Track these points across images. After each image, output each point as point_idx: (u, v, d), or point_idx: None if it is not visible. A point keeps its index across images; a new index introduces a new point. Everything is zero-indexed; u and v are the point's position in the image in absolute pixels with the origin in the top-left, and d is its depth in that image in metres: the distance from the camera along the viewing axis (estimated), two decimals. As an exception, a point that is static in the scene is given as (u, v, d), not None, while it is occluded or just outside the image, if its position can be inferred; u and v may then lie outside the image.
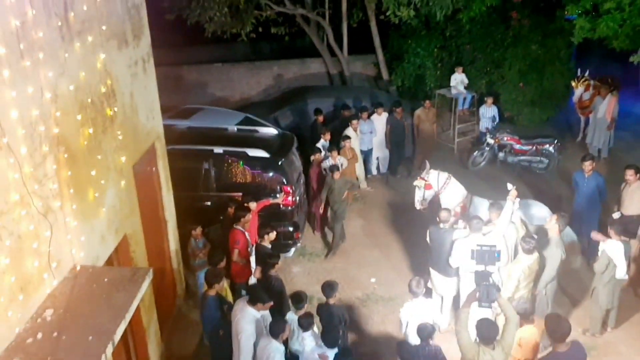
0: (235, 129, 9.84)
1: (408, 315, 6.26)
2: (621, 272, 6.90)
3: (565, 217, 7.12)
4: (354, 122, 11.03)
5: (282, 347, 5.52)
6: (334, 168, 9.34)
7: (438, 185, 8.32)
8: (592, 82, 12.79)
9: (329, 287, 6.39)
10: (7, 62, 3.87)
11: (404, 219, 10.15)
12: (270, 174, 8.93)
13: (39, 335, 3.99)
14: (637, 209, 8.14)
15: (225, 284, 6.87)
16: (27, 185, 4.03)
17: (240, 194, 8.45)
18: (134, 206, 6.24)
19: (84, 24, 5.04)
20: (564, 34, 12.89)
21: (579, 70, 13.03)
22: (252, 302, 5.93)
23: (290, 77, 16.15)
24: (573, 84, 12.92)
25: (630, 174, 8.18)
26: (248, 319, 5.82)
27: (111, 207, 5.55)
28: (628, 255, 7.03)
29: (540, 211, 7.93)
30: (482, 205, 7.96)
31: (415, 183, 8.58)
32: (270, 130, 9.95)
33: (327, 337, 5.72)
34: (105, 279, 4.75)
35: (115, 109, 5.73)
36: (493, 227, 7.05)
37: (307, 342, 5.87)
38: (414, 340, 5.94)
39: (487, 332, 5.02)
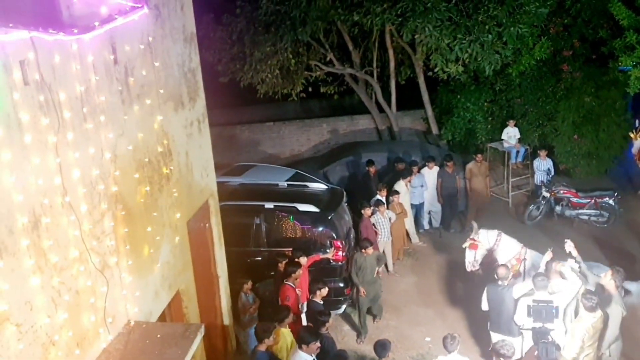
0: (286, 184, 9.98)
1: None
2: None
3: (621, 272, 6.74)
4: (409, 177, 11.02)
5: None
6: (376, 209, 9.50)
7: (489, 244, 8.20)
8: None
9: (381, 347, 6.20)
10: (72, 124, 4.11)
11: (459, 276, 9.86)
12: (320, 229, 8.93)
13: (93, 391, 4.03)
14: None
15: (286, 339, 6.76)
16: (85, 242, 4.18)
17: (290, 249, 8.47)
18: (187, 262, 6.34)
19: (143, 88, 5.32)
20: (619, 85, 12.67)
21: (637, 121, 12.66)
22: (301, 342, 5.90)
23: (339, 134, 16.40)
24: (632, 135, 12.53)
25: None
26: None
27: (165, 262, 5.66)
28: None
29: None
30: (537, 259, 7.71)
31: (465, 245, 8.46)
32: (320, 186, 10.03)
33: None
34: (158, 335, 4.79)
35: (171, 167, 5.94)
36: (561, 286, 6.77)
37: None
38: None
39: None
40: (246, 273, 8.11)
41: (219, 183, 7.92)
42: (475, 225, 8.50)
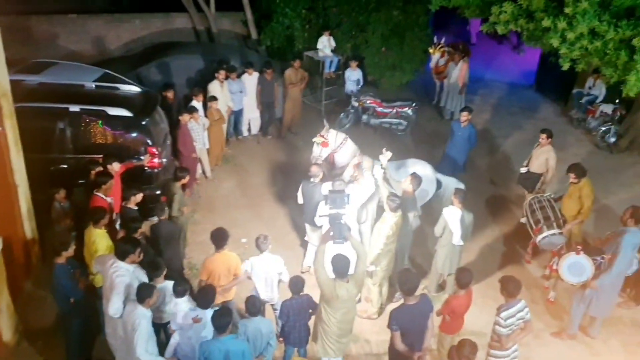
0: (94, 85, 9.18)
1: (251, 268, 6.46)
2: (456, 238, 7.26)
3: (418, 178, 7.67)
4: (221, 72, 10.77)
5: (149, 313, 5.38)
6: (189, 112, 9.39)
7: (335, 144, 8.79)
8: (446, 48, 13.71)
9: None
10: None
11: (275, 179, 10.32)
12: (134, 135, 8.54)
13: None
14: (539, 168, 9.02)
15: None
16: None
17: (101, 156, 8.01)
18: (-22, 170, 5.70)
19: None
20: (423, 0, 13.56)
21: (435, 37, 13.86)
22: (122, 256, 5.74)
23: (153, 32, 15.30)
24: (430, 50, 13.75)
25: (542, 137, 8.98)
26: (121, 272, 5.66)
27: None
28: (465, 223, 7.25)
29: (423, 169, 8.49)
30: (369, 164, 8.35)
31: (315, 140, 8.93)
32: (133, 88, 9.41)
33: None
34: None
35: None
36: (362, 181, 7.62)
37: (181, 307, 5.80)
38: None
39: (341, 268, 5.50)
40: (51, 181, 7.55)
41: (12, 81, 7.08)
42: (326, 123, 9.00)
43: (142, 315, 5.27)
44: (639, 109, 11.75)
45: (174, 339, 5.74)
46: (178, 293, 5.79)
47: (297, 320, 6.08)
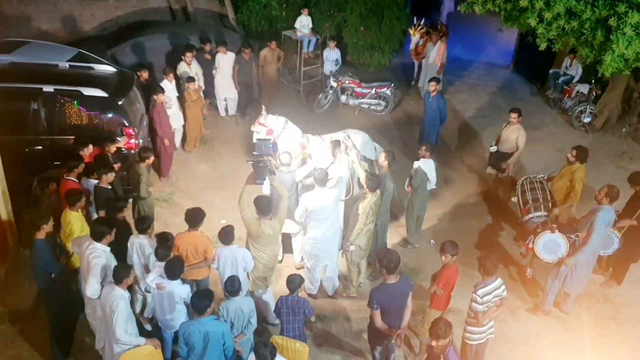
0: (67, 65, 8.99)
1: (218, 259, 6.36)
2: (433, 184, 8.21)
3: (392, 154, 7.79)
4: (188, 55, 10.65)
5: (127, 294, 5.37)
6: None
7: (276, 129, 8.39)
8: (425, 29, 13.68)
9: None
10: None
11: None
12: (110, 115, 8.41)
13: None
14: (509, 147, 9.09)
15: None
16: None
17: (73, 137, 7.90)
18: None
19: None
20: (402, -21, 13.52)
21: (415, 18, 13.82)
22: (97, 237, 5.73)
23: (128, 11, 14.98)
24: (410, 31, 13.71)
25: (514, 116, 9.02)
26: (97, 253, 5.67)
27: None
28: (437, 169, 8.24)
29: (355, 136, 8.56)
30: (319, 143, 8.35)
31: (254, 129, 8.55)
32: (108, 68, 9.23)
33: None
34: None
35: None
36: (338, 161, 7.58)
37: (155, 270, 5.92)
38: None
39: (264, 206, 6.21)
40: (26, 163, 7.41)
41: (-18, 61, 6.92)
42: (264, 109, 8.60)
43: (120, 297, 5.26)
44: (614, 89, 11.91)
45: (151, 302, 6.08)
46: (159, 257, 5.93)
47: (290, 319, 5.92)
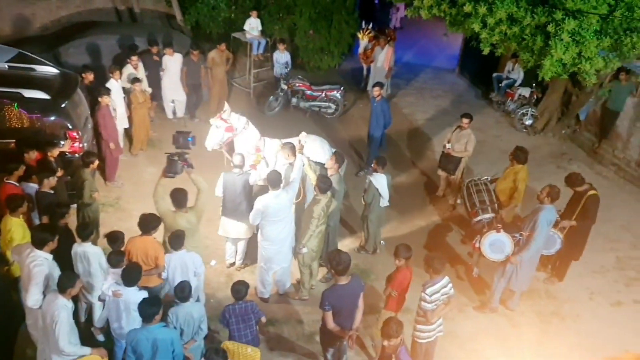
0: (7, 66, 8.63)
1: (167, 266, 6.22)
2: (385, 201, 8.02)
3: (341, 156, 7.87)
4: (133, 58, 10.45)
5: (70, 304, 5.16)
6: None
7: (237, 129, 8.30)
8: (374, 33, 13.86)
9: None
10: None
11: (203, 163, 10.07)
12: (52, 118, 8.12)
13: None
14: (458, 151, 9.28)
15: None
16: None
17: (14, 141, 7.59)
18: None
19: None
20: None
21: (363, 22, 13.97)
22: (38, 244, 5.52)
23: (72, 11, 14.51)
24: (359, 35, 13.86)
25: (465, 122, 9.21)
26: (39, 261, 5.46)
27: None
28: (390, 185, 8.12)
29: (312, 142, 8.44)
30: (274, 146, 8.35)
31: (213, 122, 8.35)
32: (50, 69, 8.91)
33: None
34: None
35: None
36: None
37: (110, 277, 5.75)
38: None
39: (180, 199, 6.34)
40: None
41: None
42: (227, 105, 8.47)
43: (63, 306, 5.06)
44: (553, 92, 12.39)
45: (104, 310, 5.83)
46: (112, 263, 5.80)
47: (241, 327, 5.84)
